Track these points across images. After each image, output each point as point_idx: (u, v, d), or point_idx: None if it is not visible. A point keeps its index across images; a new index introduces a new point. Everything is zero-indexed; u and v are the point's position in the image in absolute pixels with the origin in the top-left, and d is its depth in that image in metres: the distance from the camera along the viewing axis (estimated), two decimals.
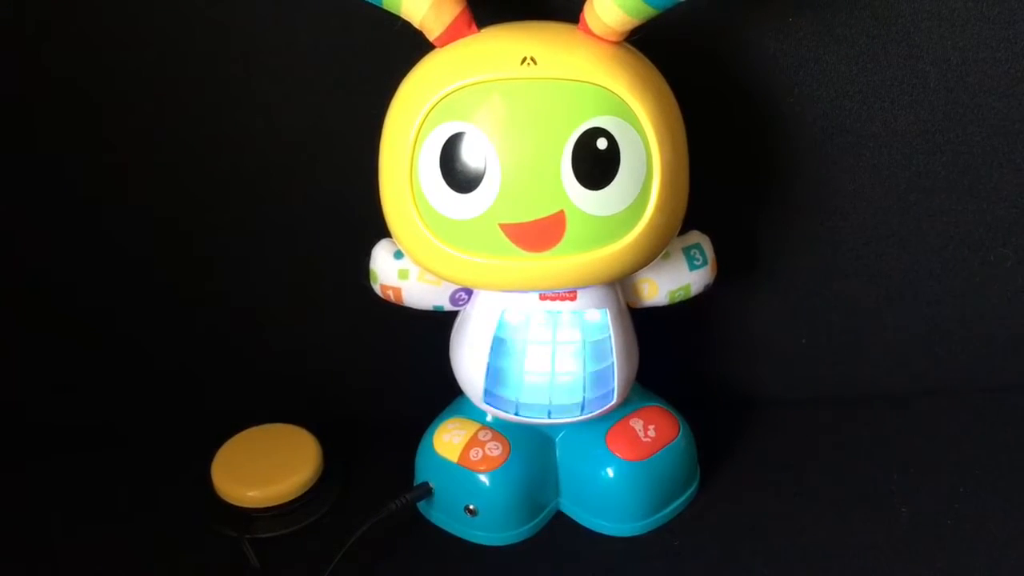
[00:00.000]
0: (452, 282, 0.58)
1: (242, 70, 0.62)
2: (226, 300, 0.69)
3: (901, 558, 0.59)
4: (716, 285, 0.63)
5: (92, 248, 0.67)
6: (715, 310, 0.70)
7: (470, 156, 0.51)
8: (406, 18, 0.52)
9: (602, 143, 0.51)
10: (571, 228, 0.52)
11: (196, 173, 0.65)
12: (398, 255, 0.59)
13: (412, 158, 0.52)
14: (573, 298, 0.57)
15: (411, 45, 0.54)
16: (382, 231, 0.56)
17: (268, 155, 0.64)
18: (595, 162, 0.51)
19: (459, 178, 0.51)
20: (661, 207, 0.53)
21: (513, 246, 0.52)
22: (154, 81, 0.62)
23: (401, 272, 0.59)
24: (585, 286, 0.56)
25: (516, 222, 0.52)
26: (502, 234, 0.52)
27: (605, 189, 0.51)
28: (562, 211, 0.51)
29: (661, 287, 0.61)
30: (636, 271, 0.56)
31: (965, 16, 0.61)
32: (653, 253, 0.55)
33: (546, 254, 0.52)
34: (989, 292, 0.69)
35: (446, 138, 0.51)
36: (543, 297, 0.57)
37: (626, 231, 0.53)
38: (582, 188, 0.51)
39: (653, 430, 0.62)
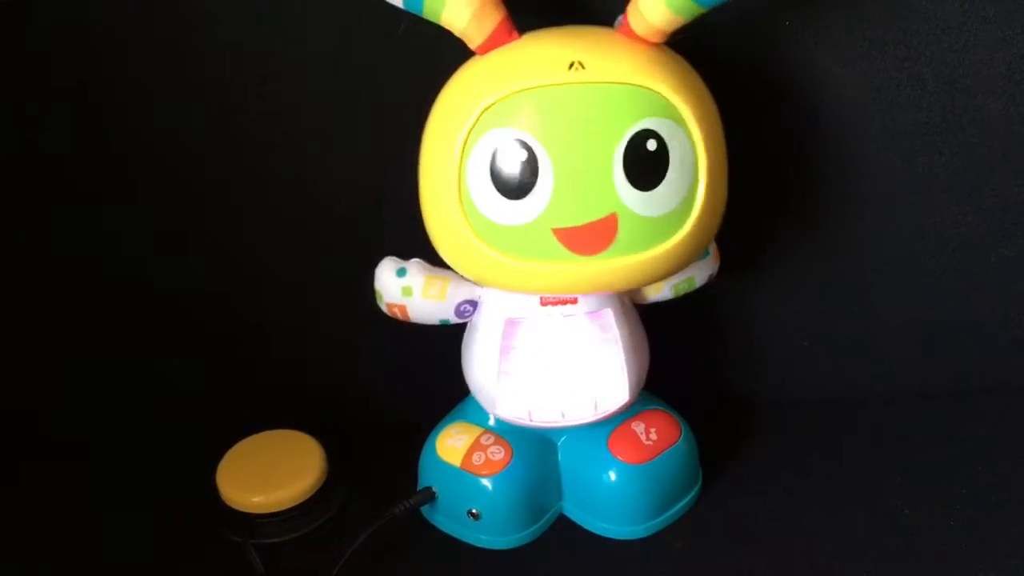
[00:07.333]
0: (501, 289, 0.56)
1: (249, 77, 0.62)
2: (230, 305, 0.69)
3: (904, 559, 0.59)
4: (717, 287, 0.63)
5: (95, 253, 0.67)
6: (716, 312, 0.70)
7: (521, 163, 0.51)
8: (446, 27, 0.52)
9: (652, 144, 0.51)
10: (623, 230, 0.52)
11: (199, 179, 0.65)
12: (400, 273, 0.59)
13: (460, 166, 0.52)
14: (574, 301, 0.57)
15: (427, 53, 0.54)
16: (386, 235, 0.56)
17: (272, 163, 0.65)
18: (646, 164, 0.51)
19: (510, 185, 0.51)
20: (708, 205, 0.53)
21: (565, 250, 0.52)
22: (160, 88, 0.62)
23: (405, 289, 0.59)
24: (635, 287, 0.57)
25: (569, 226, 0.51)
26: (554, 239, 0.52)
27: (655, 190, 0.51)
28: (614, 213, 0.51)
29: (665, 282, 0.61)
30: (681, 270, 0.57)
31: (962, 18, 0.61)
32: (698, 251, 0.55)
33: (598, 257, 0.52)
34: (990, 293, 0.69)
35: (496, 145, 0.51)
36: (544, 302, 0.57)
37: (675, 231, 0.53)
38: (633, 190, 0.51)
39: (655, 433, 0.62)
